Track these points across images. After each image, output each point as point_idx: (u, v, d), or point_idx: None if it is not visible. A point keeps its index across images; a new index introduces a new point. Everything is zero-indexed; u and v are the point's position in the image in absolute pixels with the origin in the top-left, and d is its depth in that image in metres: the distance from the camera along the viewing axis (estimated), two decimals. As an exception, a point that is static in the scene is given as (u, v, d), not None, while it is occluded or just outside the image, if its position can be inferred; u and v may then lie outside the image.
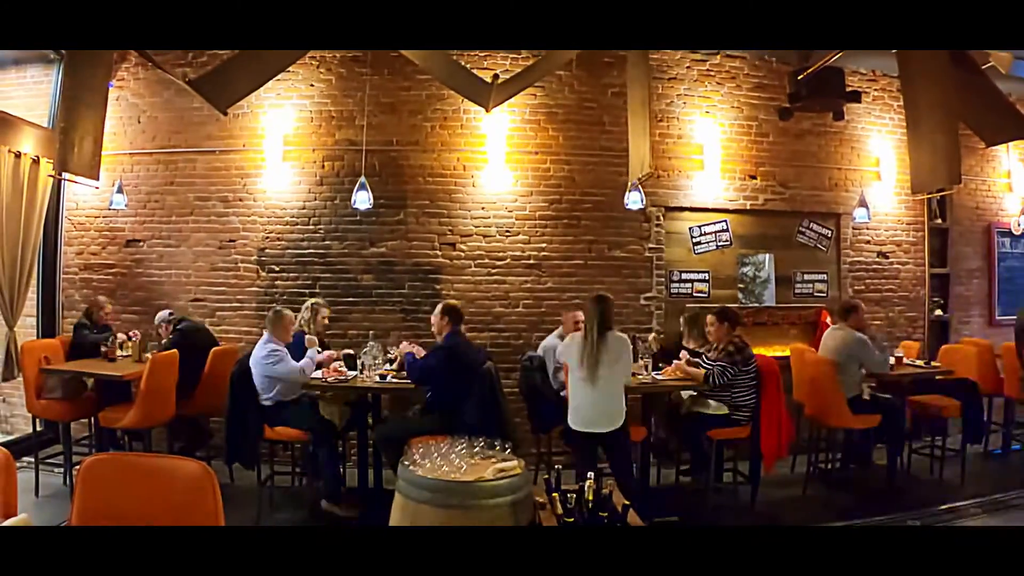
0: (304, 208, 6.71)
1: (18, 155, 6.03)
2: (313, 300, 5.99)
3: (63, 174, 5.33)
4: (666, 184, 6.94)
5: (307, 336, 5.43)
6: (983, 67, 5.72)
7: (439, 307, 5.30)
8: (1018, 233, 8.03)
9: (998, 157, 8.01)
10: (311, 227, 6.70)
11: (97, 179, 5.58)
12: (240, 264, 6.74)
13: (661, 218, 6.94)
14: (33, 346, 5.90)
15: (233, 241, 6.75)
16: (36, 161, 6.22)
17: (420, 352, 5.24)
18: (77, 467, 3.04)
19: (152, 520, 2.32)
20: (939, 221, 7.82)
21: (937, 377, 6.16)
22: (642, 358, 5.63)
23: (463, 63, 6.22)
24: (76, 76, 5.19)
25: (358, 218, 6.56)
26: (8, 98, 6.74)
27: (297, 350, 5.30)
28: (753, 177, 7.16)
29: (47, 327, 6.72)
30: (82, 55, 5.19)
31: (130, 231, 6.85)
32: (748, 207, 7.16)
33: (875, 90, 7.50)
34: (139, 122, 6.87)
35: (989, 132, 6.14)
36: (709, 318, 5.54)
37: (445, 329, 5.15)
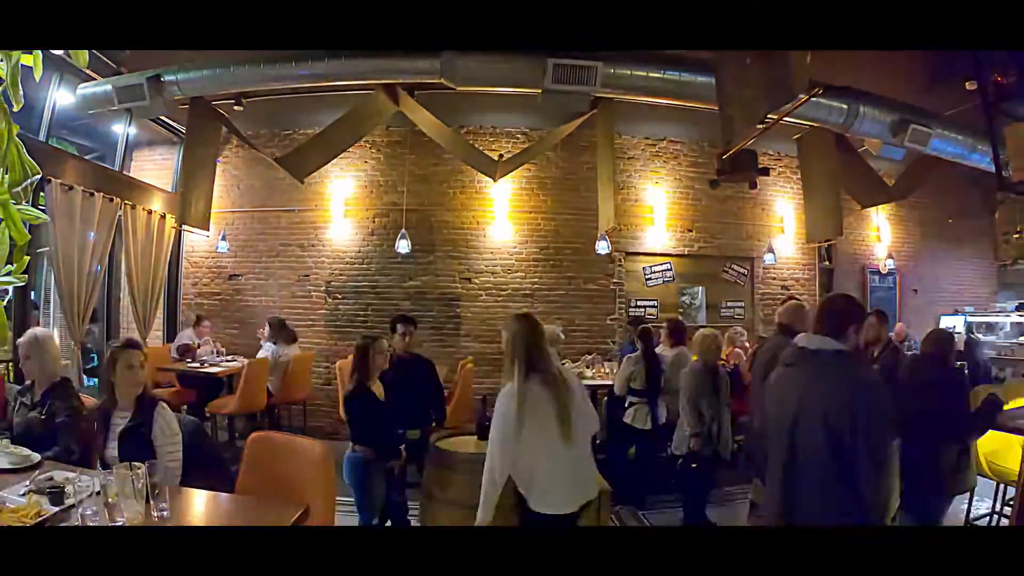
0: (359, 252, 6.72)
1: (150, 212, 6.09)
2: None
3: (183, 226, 5.37)
4: (626, 235, 6.97)
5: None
6: (859, 149, 5.77)
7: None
8: (884, 272, 8.04)
9: (870, 216, 8.04)
10: (365, 266, 6.71)
11: (208, 230, 5.61)
12: (313, 293, 6.74)
13: (622, 260, 6.95)
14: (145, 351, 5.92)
15: (307, 276, 6.76)
16: (163, 217, 6.28)
17: None
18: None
19: (291, 480, 2.39)
20: (827, 263, 7.89)
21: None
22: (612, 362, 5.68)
23: (477, 146, 6.27)
24: (192, 154, 5.24)
25: (399, 260, 6.57)
26: (143, 170, 6.81)
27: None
28: (690, 230, 7.19)
29: (170, 339, 6.69)
30: (198, 138, 5.22)
31: (231, 268, 6.88)
32: (686, 252, 7.18)
33: (780, 166, 7.56)
34: (239, 188, 6.92)
35: (863, 197, 6.17)
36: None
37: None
